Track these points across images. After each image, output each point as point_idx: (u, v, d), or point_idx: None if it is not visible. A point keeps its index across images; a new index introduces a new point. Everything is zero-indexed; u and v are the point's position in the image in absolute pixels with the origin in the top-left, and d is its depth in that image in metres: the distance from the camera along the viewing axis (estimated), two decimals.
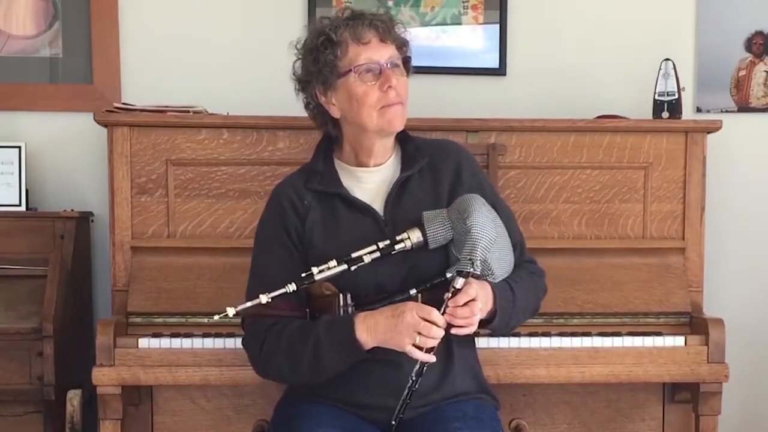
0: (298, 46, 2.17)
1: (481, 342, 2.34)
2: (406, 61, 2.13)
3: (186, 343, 2.50)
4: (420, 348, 1.95)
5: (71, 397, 2.56)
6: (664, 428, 2.79)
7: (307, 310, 2.12)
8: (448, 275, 2.04)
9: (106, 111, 2.70)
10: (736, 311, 3.06)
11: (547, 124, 2.75)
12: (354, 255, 2.04)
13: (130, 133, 2.67)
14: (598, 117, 2.85)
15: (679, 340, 2.58)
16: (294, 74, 2.18)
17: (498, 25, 3.09)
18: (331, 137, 2.21)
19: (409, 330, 1.93)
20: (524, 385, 2.65)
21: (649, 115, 2.88)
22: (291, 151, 2.69)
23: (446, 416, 2.04)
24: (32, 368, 2.62)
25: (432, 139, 2.32)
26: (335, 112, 2.13)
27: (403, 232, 2.06)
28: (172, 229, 2.68)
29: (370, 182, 2.16)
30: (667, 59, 2.88)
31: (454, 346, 2.10)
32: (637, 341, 2.56)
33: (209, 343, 2.49)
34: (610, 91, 3.08)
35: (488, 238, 2.01)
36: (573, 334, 2.57)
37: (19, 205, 2.87)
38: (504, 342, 2.51)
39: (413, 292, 2.06)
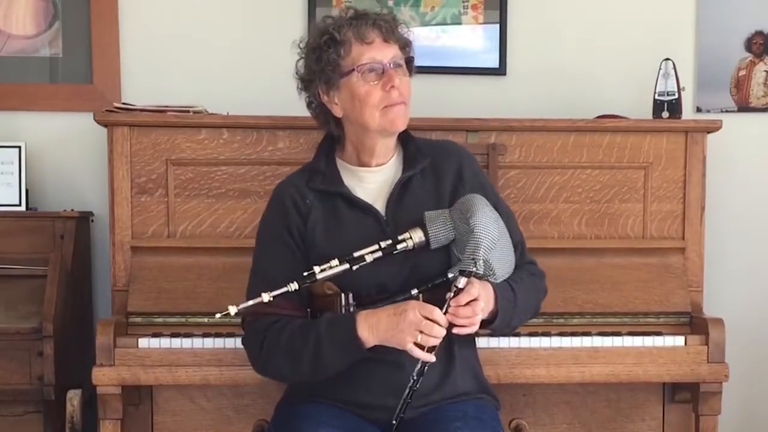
0: (301, 45, 2.18)
1: (481, 342, 2.34)
2: (409, 61, 2.13)
3: (186, 343, 2.50)
4: (421, 347, 1.95)
5: (71, 397, 2.56)
6: (664, 428, 2.79)
7: (308, 309, 2.12)
8: (450, 275, 2.04)
9: (106, 111, 2.70)
10: (736, 311, 3.06)
11: (547, 124, 2.75)
12: (356, 254, 2.04)
13: (130, 133, 2.67)
14: (598, 117, 2.86)
15: (679, 340, 2.58)
16: (297, 73, 2.19)
17: (498, 25, 3.09)
18: (333, 137, 2.21)
19: (411, 328, 1.93)
20: (524, 385, 2.65)
21: (649, 115, 2.88)
22: (291, 151, 2.69)
23: (447, 416, 2.04)
24: (32, 368, 2.62)
25: (433, 140, 2.32)
26: (338, 112, 2.13)
27: (404, 231, 2.06)
28: (172, 229, 2.68)
29: (372, 182, 2.16)
30: (667, 59, 2.88)
31: (455, 347, 2.10)
32: (637, 341, 2.56)
33: (209, 343, 2.49)
34: (610, 91, 3.08)
35: (491, 237, 2.01)
36: (573, 334, 2.57)
37: (19, 205, 2.87)
38: (504, 342, 2.51)
39: (414, 292, 2.06)
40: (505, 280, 2.10)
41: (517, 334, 2.50)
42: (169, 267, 2.62)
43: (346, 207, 2.13)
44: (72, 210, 2.87)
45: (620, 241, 2.75)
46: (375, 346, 1.99)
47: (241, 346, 2.19)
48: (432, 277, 2.07)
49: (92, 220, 3.00)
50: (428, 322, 1.93)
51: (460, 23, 3.11)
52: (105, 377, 2.46)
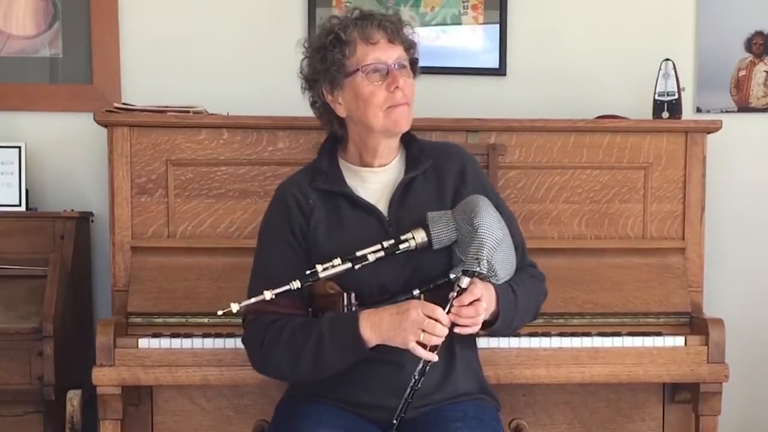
0: (306, 45, 2.18)
1: (481, 342, 2.34)
2: (413, 62, 2.14)
3: (186, 343, 2.50)
4: (424, 346, 1.95)
5: (71, 397, 2.56)
6: (664, 428, 2.79)
7: (310, 309, 2.12)
8: (452, 276, 2.05)
9: (106, 111, 2.70)
10: (736, 311, 3.06)
11: (547, 124, 2.75)
12: (358, 254, 2.05)
13: (130, 133, 2.67)
14: (598, 117, 2.86)
15: (679, 341, 2.58)
16: (301, 72, 2.19)
17: (498, 25, 3.09)
18: (336, 137, 2.22)
19: (413, 327, 1.94)
20: (524, 385, 2.65)
21: (649, 115, 2.88)
22: (291, 151, 2.69)
23: (447, 416, 2.04)
24: (32, 368, 2.62)
25: (435, 142, 2.33)
26: (341, 112, 2.14)
27: (407, 232, 2.07)
28: (172, 229, 2.68)
29: (375, 182, 2.17)
30: (667, 59, 2.88)
31: (456, 347, 2.11)
32: (637, 341, 2.56)
33: (209, 343, 2.49)
34: (610, 91, 3.08)
35: (495, 238, 2.02)
36: (573, 334, 2.57)
37: (19, 205, 2.87)
38: (504, 342, 2.51)
39: (416, 292, 2.06)
40: (506, 281, 2.10)
41: (517, 335, 2.50)
42: (169, 267, 2.62)
43: (349, 207, 2.14)
44: (72, 210, 2.87)
45: (620, 242, 2.75)
46: (377, 346, 1.99)
47: (242, 347, 2.18)
48: (434, 277, 2.07)
49: (92, 221, 3.00)
50: (431, 321, 1.94)
51: (460, 23, 3.11)
52: (105, 377, 2.46)
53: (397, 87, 2.07)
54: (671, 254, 2.73)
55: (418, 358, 1.97)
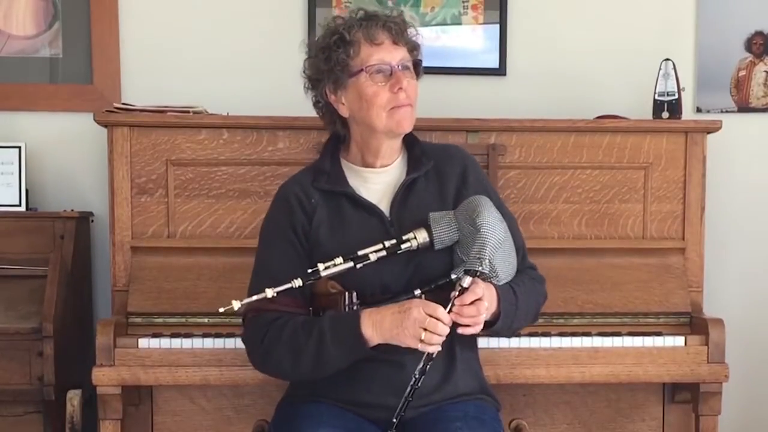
0: (308, 45, 2.19)
1: (482, 342, 2.34)
2: (417, 64, 2.15)
3: (186, 343, 2.50)
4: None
5: (71, 397, 2.56)
6: (664, 428, 2.79)
7: (311, 309, 2.12)
8: (453, 276, 2.05)
9: (106, 111, 2.70)
10: (736, 311, 3.06)
11: (547, 124, 2.75)
12: (360, 253, 2.05)
13: (130, 133, 2.67)
14: (598, 117, 2.86)
15: (679, 340, 2.58)
16: (304, 72, 2.19)
17: (498, 25, 3.09)
18: (338, 137, 2.22)
19: (415, 326, 1.94)
20: (524, 385, 2.65)
21: (649, 115, 2.88)
22: (291, 151, 2.69)
23: (447, 416, 2.05)
24: (32, 368, 2.62)
25: (437, 144, 2.33)
26: (344, 112, 2.14)
27: (409, 232, 2.07)
28: (172, 229, 2.69)
29: (377, 183, 2.17)
30: (667, 59, 2.88)
31: (456, 348, 2.11)
32: (637, 341, 2.56)
33: (209, 343, 2.49)
34: (610, 92, 3.08)
35: (497, 237, 2.02)
36: (573, 334, 2.57)
37: (19, 205, 2.87)
38: (504, 342, 2.50)
39: (417, 292, 2.06)
40: (507, 283, 2.10)
41: (517, 335, 2.50)
42: (169, 267, 2.62)
43: (351, 207, 2.14)
44: (72, 210, 2.87)
45: (620, 242, 2.75)
46: (377, 345, 1.99)
47: (242, 346, 2.18)
48: (435, 277, 2.08)
49: (92, 220, 3.01)
50: (432, 319, 1.94)
51: (460, 23, 3.11)
52: (105, 377, 2.47)
53: (400, 88, 2.07)
54: (671, 254, 2.73)
55: (418, 358, 1.97)
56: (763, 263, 3.18)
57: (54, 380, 2.61)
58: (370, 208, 2.14)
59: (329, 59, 2.10)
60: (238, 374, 2.47)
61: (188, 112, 2.70)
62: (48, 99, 3.04)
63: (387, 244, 2.06)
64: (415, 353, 1.97)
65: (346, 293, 2.07)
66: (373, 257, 2.05)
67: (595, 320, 2.66)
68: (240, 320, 2.18)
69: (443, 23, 3.11)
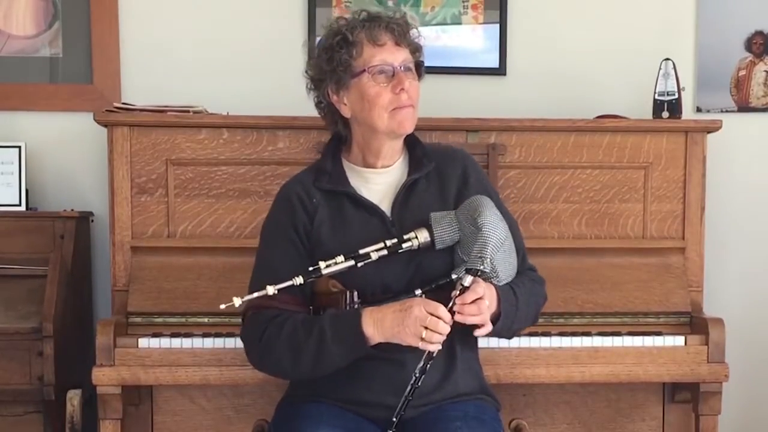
0: (308, 46, 2.20)
1: (482, 342, 2.34)
2: (419, 65, 2.15)
3: (186, 343, 2.50)
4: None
5: (71, 397, 2.56)
6: (664, 428, 2.79)
7: (311, 307, 2.12)
8: (454, 277, 2.06)
9: (106, 111, 2.70)
10: (736, 311, 3.06)
11: (547, 124, 2.75)
12: (361, 251, 2.06)
13: (130, 133, 2.67)
14: (598, 117, 2.85)
15: (679, 340, 2.58)
16: (307, 72, 2.20)
17: (498, 25, 3.09)
18: (339, 138, 2.23)
19: (416, 324, 1.94)
20: (524, 385, 2.65)
21: (649, 115, 2.88)
22: (291, 151, 2.69)
23: (447, 416, 2.04)
24: (32, 368, 2.62)
25: (439, 145, 2.33)
26: (346, 112, 2.15)
27: (410, 232, 2.08)
28: (172, 229, 2.69)
29: (378, 183, 2.18)
30: (667, 59, 2.88)
31: (456, 347, 2.11)
32: (637, 341, 2.56)
33: (209, 343, 2.49)
34: (610, 91, 3.08)
35: (498, 237, 2.03)
36: (573, 334, 2.57)
37: (19, 205, 2.87)
38: (504, 342, 2.49)
39: (418, 292, 2.07)
40: (507, 283, 2.11)
41: (517, 335, 2.50)
42: (169, 267, 2.62)
43: (352, 207, 2.15)
44: (72, 210, 2.87)
45: (620, 241, 2.75)
46: (378, 344, 1.99)
47: (242, 346, 2.18)
48: (436, 277, 2.08)
49: (92, 220, 3.00)
50: (433, 318, 1.94)
51: (460, 23, 3.11)
52: (105, 377, 2.46)
53: (402, 89, 2.08)
54: (671, 254, 2.73)
55: (419, 357, 1.97)
56: (763, 263, 3.18)
57: (54, 380, 2.61)
58: (371, 209, 2.14)
59: (332, 60, 2.11)
60: (238, 374, 2.47)
61: (188, 111, 2.70)
62: (48, 99, 3.04)
63: (388, 243, 2.07)
64: (416, 352, 1.97)
65: (347, 292, 2.07)
66: (374, 256, 2.06)
67: (595, 320, 2.66)
68: (240, 320, 2.18)
69: (443, 23, 3.11)
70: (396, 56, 2.10)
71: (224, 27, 3.06)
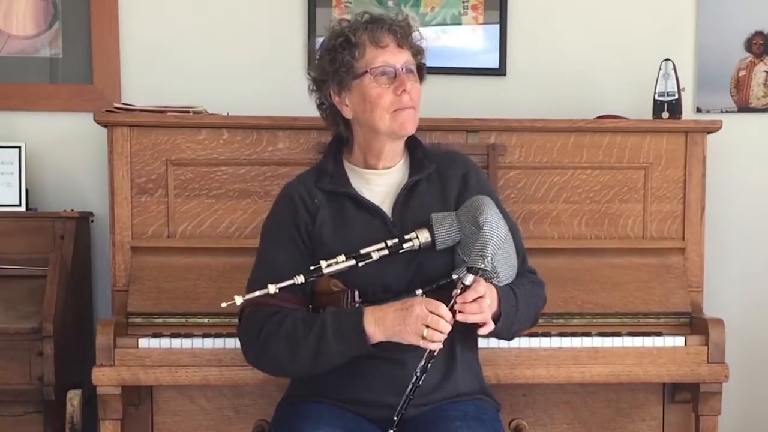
0: (309, 48, 2.20)
1: (482, 342, 2.34)
2: (421, 67, 2.16)
3: (186, 343, 2.50)
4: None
5: (71, 397, 2.56)
6: (664, 428, 2.79)
7: (310, 306, 2.13)
8: (454, 277, 2.06)
9: (106, 111, 2.70)
10: (736, 311, 3.06)
11: (547, 124, 2.75)
12: (362, 251, 2.07)
13: (130, 133, 2.67)
14: (598, 117, 2.86)
15: (679, 341, 2.58)
16: (309, 74, 2.21)
17: (498, 25, 3.09)
18: (341, 139, 2.24)
19: (417, 323, 1.94)
20: (524, 385, 2.65)
21: (649, 115, 2.88)
22: (291, 151, 2.69)
23: (447, 415, 2.05)
24: (32, 368, 2.62)
25: (440, 147, 2.33)
26: (348, 113, 2.16)
27: (411, 232, 2.08)
28: (172, 229, 2.69)
29: (379, 185, 2.18)
30: (667, 59, 2.88)
31: (456, 348, 2.12)
32: (637, 341, 2.56)
33: (209, 343, 2.49)
34: (610, 92, 3.08)
35: (499, 236, 2.03)
36: (573, 334, 2.57)
37: (19, 205, 2.87)
38: (504, 342, 2.49)
39: (419, 292, 2.07)
40: (507, 284, 2.11)
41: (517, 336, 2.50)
42: (169, 267, 2.62)
43: (354, 207, 2.15)
44: (72, 210, 2.87)
45: (620, 242, 2.75)
46: (378, 344, 1.99)
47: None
48: (437, 277, 2.09)
49: (92, 221, 3.01)
50: (434, 316, 1.94)
51: (460, 23, 3.11)
52: (105, 377, 2.47)
53: (404, 90, 2.09)
54: (671, 254, 2.73)
55: (419, 356, 1.98)
56: (763, 263, 3.18)
57: (54, 380, 2.61)
58: (372, 209, 2.15)
59: (334, 61, 2.12)
60: (238, 374, 2.47)
61: (188, 112, 2.70)
62: (48, 99, 3.04)
63: (389, 243, 2.08)
64: (417, 351, 1.98)
65: (348, 291, 2.08)
66: (375, 256, 2.06)
67: (595, 320, 2.66)
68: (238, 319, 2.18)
69: (443, 23, 3.11)
70: (398, 58, 2.11)
71: (224, 27, 3.06)
